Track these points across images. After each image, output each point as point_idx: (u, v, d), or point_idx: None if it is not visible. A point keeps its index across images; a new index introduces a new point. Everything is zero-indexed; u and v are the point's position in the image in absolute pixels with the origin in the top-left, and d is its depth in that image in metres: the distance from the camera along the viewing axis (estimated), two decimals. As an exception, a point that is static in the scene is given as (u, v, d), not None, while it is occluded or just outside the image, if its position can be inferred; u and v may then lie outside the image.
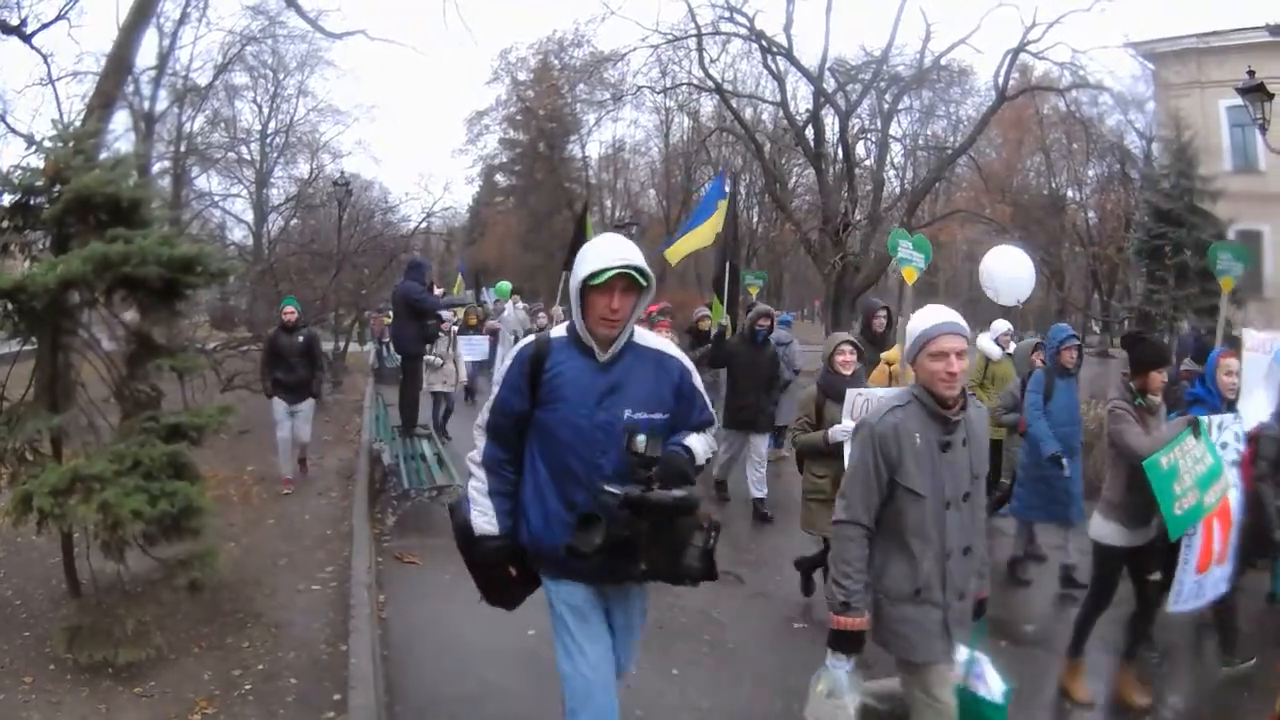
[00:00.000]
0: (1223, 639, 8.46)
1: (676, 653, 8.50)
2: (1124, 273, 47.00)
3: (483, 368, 25.89)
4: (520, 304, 29.74)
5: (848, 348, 10.04)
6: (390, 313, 22.57)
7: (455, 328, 20.64)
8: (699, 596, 9.34)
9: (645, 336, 5.29)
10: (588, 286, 4.85)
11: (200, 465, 8.40)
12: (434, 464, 13.74)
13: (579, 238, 19.39)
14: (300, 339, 14.51)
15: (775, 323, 14.94)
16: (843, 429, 8.76)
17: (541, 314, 22.09)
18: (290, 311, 14.80)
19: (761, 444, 14.13)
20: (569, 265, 18.08)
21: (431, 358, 18.37)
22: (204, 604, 8.55)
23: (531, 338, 5.26)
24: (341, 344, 29.01)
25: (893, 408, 5.26)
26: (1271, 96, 17.60)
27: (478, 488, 5.15)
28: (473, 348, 23.53)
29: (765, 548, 12.24)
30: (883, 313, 14.72)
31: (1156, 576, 7.46)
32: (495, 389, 5.18)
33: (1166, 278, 30.24)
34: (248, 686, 7.20)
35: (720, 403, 14.33)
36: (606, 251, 4.91)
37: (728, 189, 22.36)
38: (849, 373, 9.93)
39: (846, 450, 7.59)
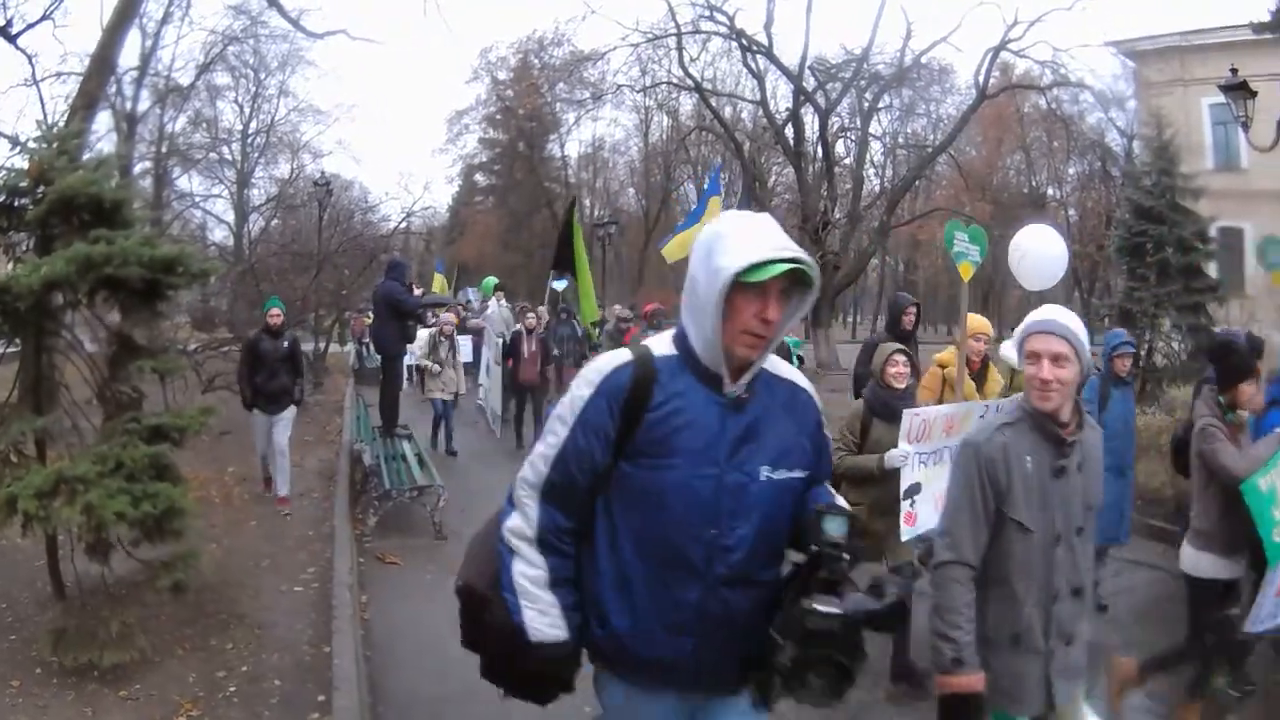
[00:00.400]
0: None
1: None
2: (1105, 270, 47.14)
3: (467, 370, 24.21)
4: (504, 301, 28.67)
5: (900, 358, 8.68)
6: (370, 313, 22.71)
7: (452, 328, 19.93)
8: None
9: (775, 363, 3.83)
10: (737, 285, 3.37)
11: (182, 467, 8.35)
12: (414, 464, 13.74)
13: (566, 236, 20.53)
14: (285, 344, 13.68)
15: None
16: (900, 453, 7.89)
17: (531, 315, 19.94)
18: (276, 315, 13.87)
19: None
20: (558, 264, 18.23)
21: (429, 364, 18.40)
22: (187, 605, 8.55)
23: (624, 354, 3.68)
24: (322, 345, 29.02)
25: (1001, 425, 4.52)
26: (1254, 94, 17.65)
27: (530, 574, 3.64)
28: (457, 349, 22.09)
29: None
30: (913, 309, 13.30)
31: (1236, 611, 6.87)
32: (558, 430, 3.59)
33: (1148, 275, 30.19)
34: (232, 688, 7.23)
35: None
36: (764, 237, 3.49)
37: (722, 185, 21.59)
38: (902, 386, 8.65)
39: (904, 477, 7.58)
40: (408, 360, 22.83)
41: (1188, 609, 7.17)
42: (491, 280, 31.30)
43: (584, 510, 3.71)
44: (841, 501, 3.75)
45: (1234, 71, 17.64)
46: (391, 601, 9.76)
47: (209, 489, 13.01)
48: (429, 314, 26.09)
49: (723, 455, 3.53)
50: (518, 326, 20.49)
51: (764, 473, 3.58)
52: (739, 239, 3.46)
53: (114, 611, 7.50)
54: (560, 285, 38.48)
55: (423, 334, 22.50)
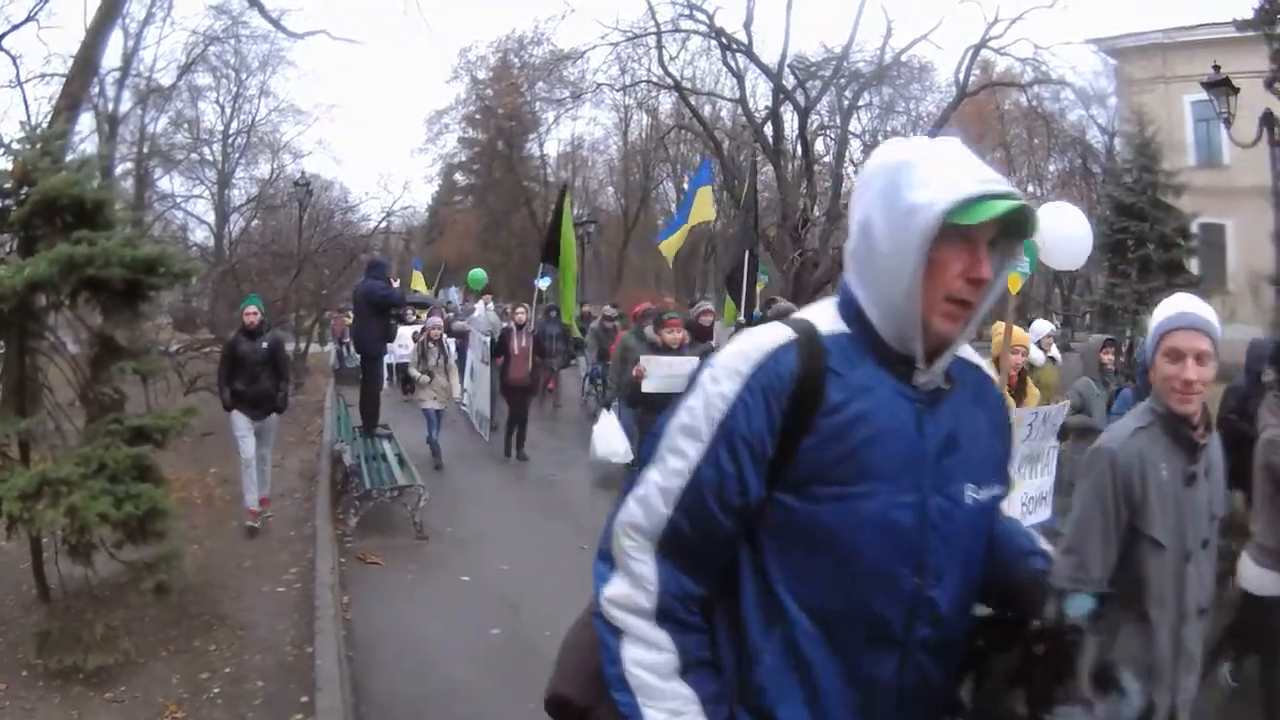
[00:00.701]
0: None
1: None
2: (1085, 267, 47.34)
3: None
4: (491, 304, 27.77)
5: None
6: (351, 313, 22.56)
7: (440, 332, 18.29)
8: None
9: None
10: (945, 229, 2.31)
11: (164, 468, 8.40)
12: (395, 464, 13.75)
13: (556, 225, 19.56)
14: (265, 345, 12.52)
15: None
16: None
17: (521, 310, 18.73)
18: (253, 313, 12.63)
19: None
20: (548, 257, 17.84)
21: (417, 374, 17.29)
22: (171, 607, 8.57)
23: (780, 331, 2.46)
24: (303, 345, 28.75)
25: (1135, 430, 4.07)
26: (1237, 90, 17.73)
27: (650, 661, 2.40)
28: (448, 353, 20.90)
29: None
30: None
31: None
32: (683, 447, 2.43)
33: (1129, 271, 30.35)
34: (215, 690, 7.24)
35: None
36: (969, 166, 2.45)
37: (714, 175, 21.48)
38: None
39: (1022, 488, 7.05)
40: (389, 359, 23.03)
41: (1236, 618, 6.85)
42: (480, 273, 30.40)
43: (720, 565, 2.47)
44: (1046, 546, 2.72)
45: (1217, 68, 17.70)
46: (373, 602, 9.75)
47: (191, 490, 13.02)
48: (409, 313, 26.67)
49: (926, 474, 2.42)
50: (507, 324, 19.45)
51: (969, 494, 2.50)
52: (939, 167, 2.41)
53: (98, 614, 7.51)
54: (544, 284, 38.15)
55: (406, 336, 23.30)
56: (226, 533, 11.68)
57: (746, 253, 16.71)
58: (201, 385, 16.26)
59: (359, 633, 8.91)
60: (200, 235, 51.06)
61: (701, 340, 14.80)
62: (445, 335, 20.70)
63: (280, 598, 9.49)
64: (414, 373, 17.56)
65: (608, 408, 15.02)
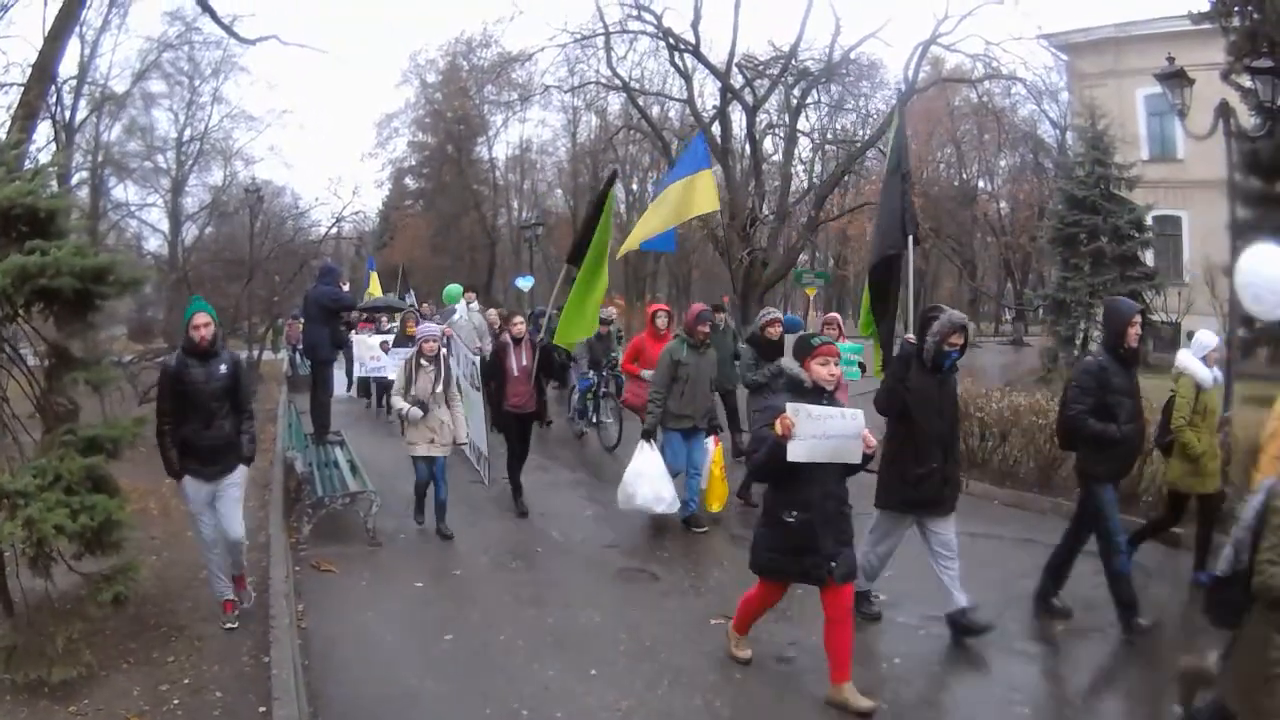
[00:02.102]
0: None
1: (592, 653, 8.57)
2: (1037, 261, 47.65)
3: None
4: (476, 305, 22.71)
5: None
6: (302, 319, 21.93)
7: (438, 346, 13.95)
8: (612, 596, 9.50)
9: None
10: None
11: (120, 478, 8.53)
12: (347, 471, 13.85)
13: (592, 220, 15.16)
14: (222, 369, 9.19)
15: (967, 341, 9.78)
16: None
17: (518, 320, 15.05)
18: (204, 324, 9.12)
19: (948, 530, 9.21)
20: (575, 259, 14.98)
21: (405, 407, 12.63)
22: (129, 619, 8.63)
23: None
24: (256, 353, 28.60)
25: None
26: (1192, 82, 17.87)
27: None
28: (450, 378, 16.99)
29: (678, 545, 12.38)
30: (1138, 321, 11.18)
31: None
32: None
33: (1081, 265, 30.54)
34: (176, 701, 7.27)
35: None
36: None
37: (708, 155, 17.35)
38: None
39: None
40: (359, 372, 23.73)
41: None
42: (456, 288, 25.29)
43: None
44: None
45: (1171, 60, 17.84)
46: (328, 609, 9.77)
47: (147, 501, 12.78)
48: (385, 320, 26.25)
49: None
50: (503, 337, 14.87)
51: None
52: None
53: (59, 627, 7.52)
54: (526, 284, 36.94)
55: (374, 346, 22.22)
56: (184, 543, 11.33)
57: (909, 237, 11.17)
58: (154, 395, 16.11)
59: (315, 641, 8.91)
60: (154, 244, 51.03)
61: (769, 357, 13.17)
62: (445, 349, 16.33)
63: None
64: (400, 404, 12.72)
65: (648, 439, 12.72)
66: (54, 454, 7.50)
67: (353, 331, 22.34)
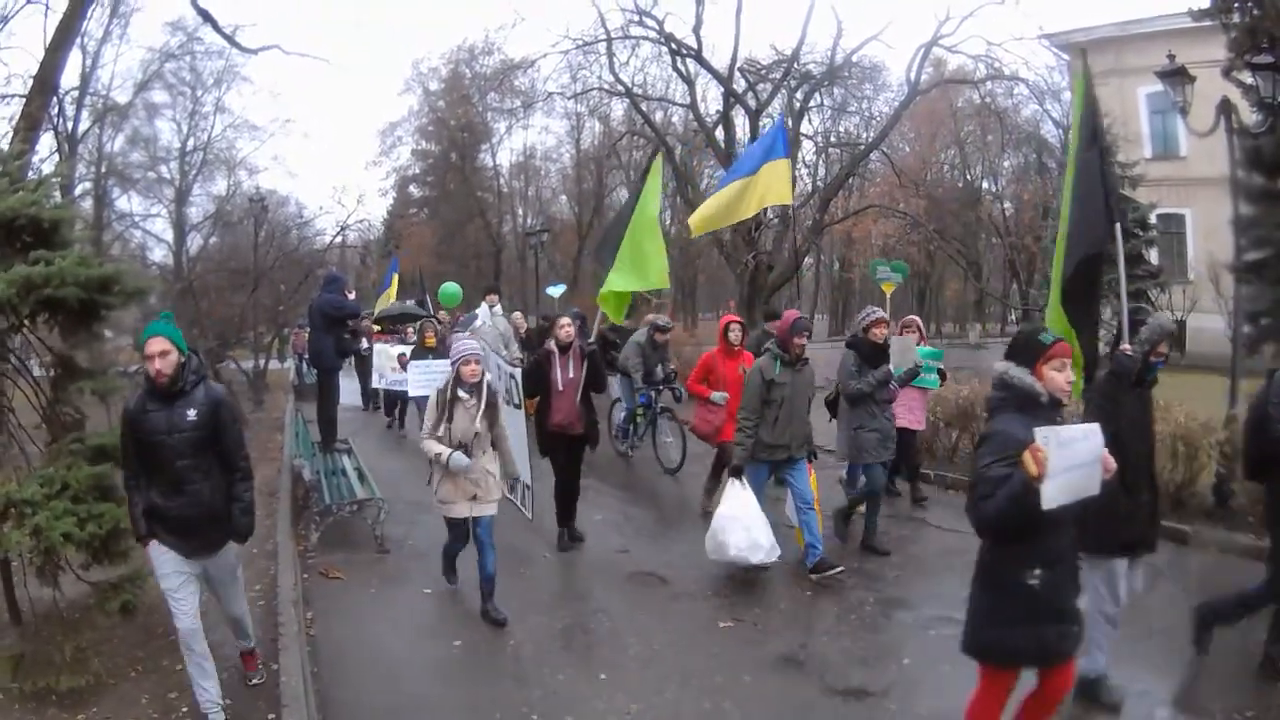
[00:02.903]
0: None
1: (602, 657, 8.58)
2: (1042, 262, 47.59)
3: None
4: (499, 308, 20.65)
5: None
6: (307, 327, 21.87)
7: (483, 369, 10.60)
8: (621, 600, 9.48)
9: None
10: None
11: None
12: (354, 478, 13.74)
13: (632, 201, 13.70)
14: (191, 414, 6.96)
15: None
16: None
17: (565, 323, 12.71)
18: (160, 353, 6.89)
19: (1134, 580, 7.96)
20: (602, 257, 13.63)
21: (441, 451, 9.43)
22: (137, 628, 8.59)
23: None
24: (262, 362, 28.75)
25: None
26: (1193, 79, 17.84)
27: None
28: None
29: (686, 549, 12.15)
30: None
31: None
32: None
33: (1086, 264, 30.54)
34: (185, 709, 7.24)
35: None
36: None
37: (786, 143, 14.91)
38: None
39: None
40: (376, 384, 22.49)
41: None
42: (453, 288, 25.15)
43: None
44: None
45: (1171, 57, 17.82)
46: (337, 616, 9.76)
47: None
48: (406, 330, 24.84)
49: None
50: (547, 344, 12.57)
51: None
52: None
53: (67, 636, 7.56)
54: (557, 291, 35.87)
55: (393, 357, 20.70)
56: None
57: (1117, 224, 9.65)
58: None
59: (324, 648, 8.90)
60: (159, 254, 50.75)
61: (874, 362, 11.66)
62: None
63: (244, 615, 9.44)
64: (435, 448, 9.51)
65: (738, 476, 10.74)
66: (61, 463, 7.51)
67: (362, 341, 22.19)
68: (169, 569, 7.09)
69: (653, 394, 18.40)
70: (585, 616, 9.71)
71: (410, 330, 25.17)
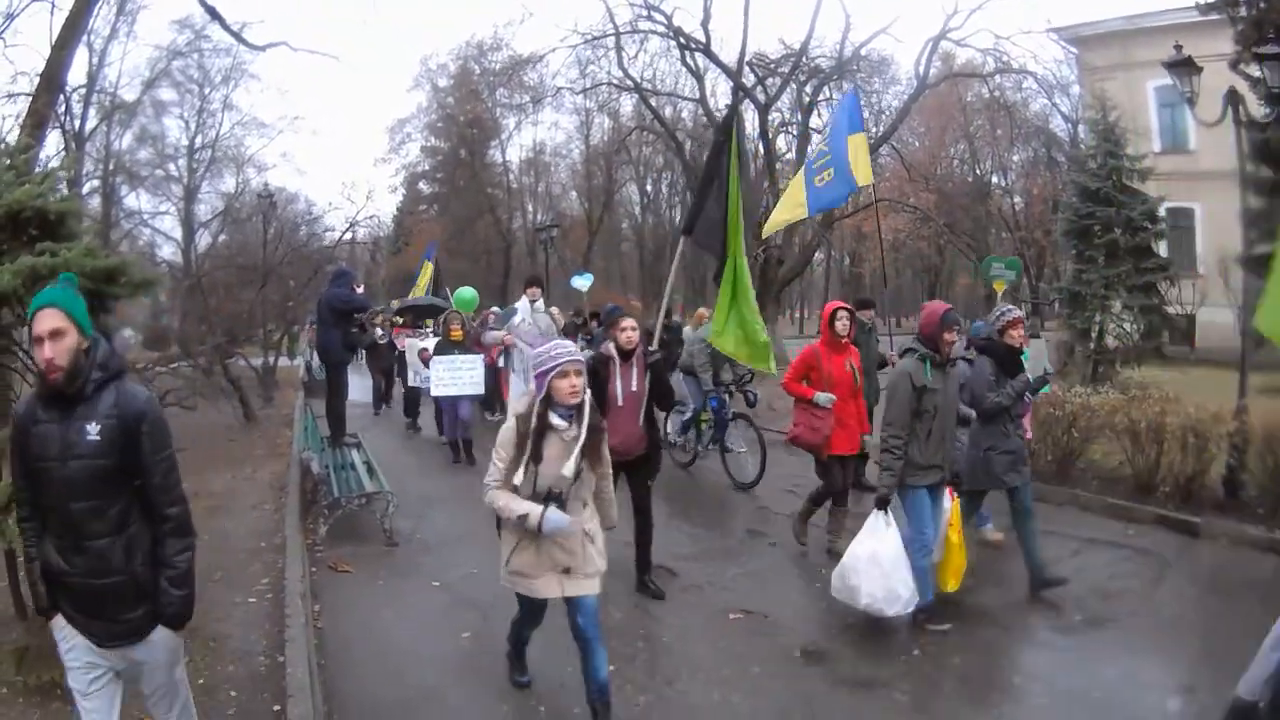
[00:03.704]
0: None
1: (610, 649, 8.24)
2: (1052, 256, 47.54)
3: (487, 404, 20.45)
4: (540, 301, 17.55)
5: None
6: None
7: (582, 382, 10.74)
8: (630, 592, 9.46)
9: None
10: None
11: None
12: (363, 472, 13.70)
13: (714, 170, 11.36)
14: (93, 430, 4.92)
15: None
16: None
17: (628, 324, 10.31)
18: (53, 333, 4.85)
19: None
20: (690, 229, 11.47)
21: (523, 505, 6.68)
22: (141, 620, 8.54)
23: None
24: (272, 359, 28.89)
25: None
26: (1200, 70, 17.87)
27: None
28: (458, 376, 16.94)
29: (698, 540, 12.26)
30: None
31: None
32: None
33: (1096, 257, 30.46)
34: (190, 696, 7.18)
35: None
36: None
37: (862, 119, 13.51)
38: None
39: None
40: (414, 380, 21.46)
41: None
42: (469, 292, 22.10)
43: None
44: None
45: (1179, 48, 17.83)
46: (344, 609, 9.74)
47: None
48: (428, 327, 23.54)
49: None
50: (604, 348, 10.24)
51: None
52: None
53: (72, 627, 7.51)
54: (584, 283, 34.28)
55: (419, 352, 19.95)
56: (199, 546, 11.34)
57: None
58: (170, 401, 15.93)
59: (331, 640, 8.88)
60: (168, 251, 50.92)
61: (1012, 370, 10.10)
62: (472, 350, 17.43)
63: (252, 608, 9.48)
64: (513, 505, 6.75)
65: (884, 507, 9.05)
66: (63, 454, 7.45)
67: (377, 331, 22.12)
68: (76, 661, 5.29)
69: (725, 397, 16.59)
70: (593, 609, 9.60)
71: (429, 327, 23.81)
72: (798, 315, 77.74)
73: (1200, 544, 11.46)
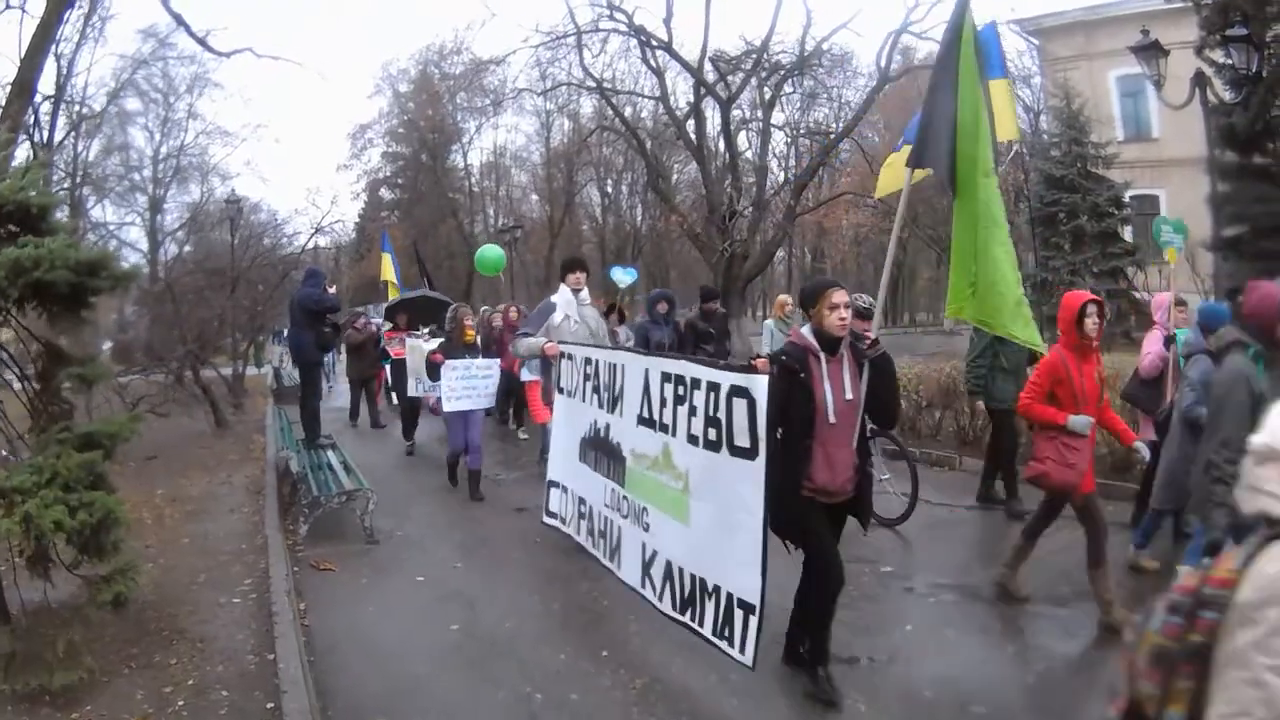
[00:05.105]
0: None
1: (602, 635, 8.54)
2: (1015, 245, 47.83)
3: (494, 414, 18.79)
4: (586, 292, 12.26)
5: None
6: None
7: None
8: (617, 579, 9.43)
9: None
10: None
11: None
12: (341, 471, 13.66)
13: (940, 79, 8.35)
14: None
15: None
16: None
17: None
18: None
19: None
20: (920, 160, 8.51)
21: None
22: (129, 624, 8.55)
23: None
24: (240, 367, 29.10)
25: None
26: (1167, 53, 17.99)
27: None
28: (473, 386, 14.25)
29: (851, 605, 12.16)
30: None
31: None
32: None
33: (1062, 243, 30.68)
34: (181, 702, 7.19)
35: None
36: None
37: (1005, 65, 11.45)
38: None
39: None
40: (415, 390, 18.22)
41: None
42: (494, 250, 22.58)
43: None
44: None
45: (1145, 32, 17.93)
46: (330, 607, 9.69)
47: (141, 510, 12.74)
48: (421, 331, 19.84)
49: None
50: (797, 334, 7.21)
51: None
52: None
53: (59, 631, 7.47)
54: (628, 278, 30.38)
55: (419, 354, 16.80)
56: (179, 550, 11.54)
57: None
58: (144, 407, 15.82)
59: (319, 638, 8.83)
60: (134, 261, 51.01)
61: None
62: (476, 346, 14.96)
63: (237, 609, 9.43)
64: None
65: (1214, 555, 4.58)
66: (50, 451, 7.44)
67: (343, 337, 21.74)
68: None
69: None
70: (581, 597, 9.67)
71: (424, 333, 19.59)
72: (759, 314, 78.05)
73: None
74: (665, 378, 7.63)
